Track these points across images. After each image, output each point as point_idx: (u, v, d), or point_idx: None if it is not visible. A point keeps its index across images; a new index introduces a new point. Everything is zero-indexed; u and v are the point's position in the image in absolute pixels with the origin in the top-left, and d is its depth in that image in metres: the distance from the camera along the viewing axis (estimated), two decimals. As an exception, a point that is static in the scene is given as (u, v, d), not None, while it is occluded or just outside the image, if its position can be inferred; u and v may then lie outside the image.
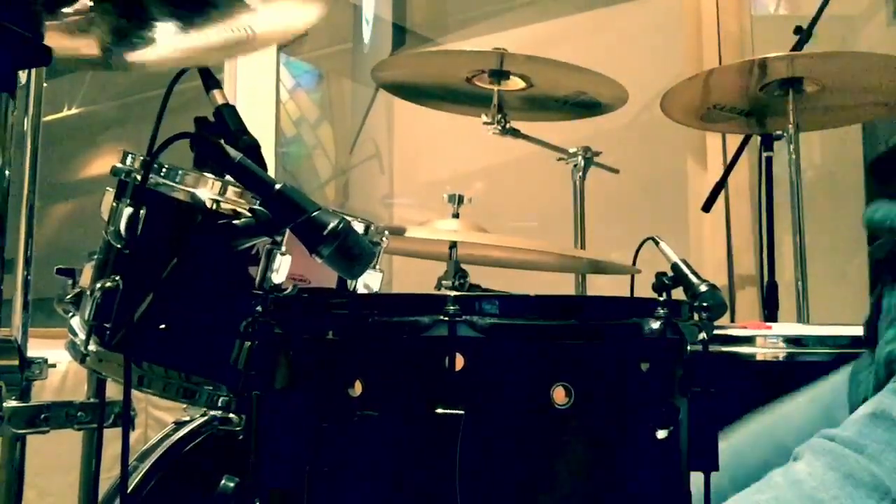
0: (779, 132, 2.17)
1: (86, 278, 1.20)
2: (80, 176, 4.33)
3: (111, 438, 1.08)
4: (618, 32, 3.05)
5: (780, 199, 2.21)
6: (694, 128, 2.47)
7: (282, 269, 0.94)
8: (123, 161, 1.15)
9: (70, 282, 1.25)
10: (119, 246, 1.10)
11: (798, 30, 2.08)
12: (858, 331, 1.07)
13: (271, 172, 0.99)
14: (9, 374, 1.23)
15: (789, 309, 2.18)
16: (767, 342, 1.43)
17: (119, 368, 1.11)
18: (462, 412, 0.74)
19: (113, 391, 1.29)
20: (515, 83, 2.13)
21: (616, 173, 2.36)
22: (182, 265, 1.09)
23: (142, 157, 1.12)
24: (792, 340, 1.42)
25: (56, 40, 1.19)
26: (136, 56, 1.30)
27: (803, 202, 2.01)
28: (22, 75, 1.30)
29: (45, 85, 1.34)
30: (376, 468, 0.78)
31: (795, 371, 1.40)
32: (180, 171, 1.09)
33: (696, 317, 0.87)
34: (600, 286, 2.37)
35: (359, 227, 1.16)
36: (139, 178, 1.08)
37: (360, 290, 1.21)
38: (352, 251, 0.89)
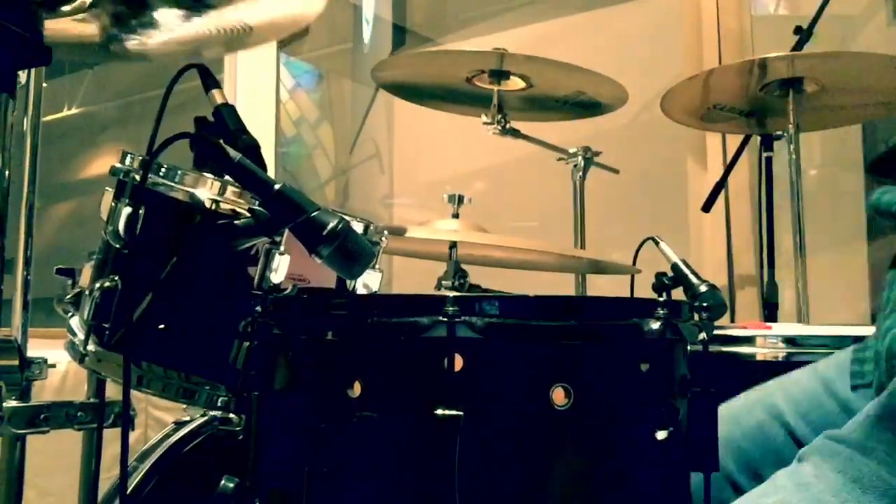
0: (779, 132, 2.17)
1: (85, 278, 1.20)
2: (80, 176, 4.33)
3: (111, 438, 1.08)
4: (618, 32, 3.05)
5: (780, 199, 2.21)
6: (694, 128, 2.47)
7: (281, 269, 0.93)
8: (123, 161, 1.15)
9: (69, 282, 1.25)
10: (118, 246, 1.10)
11: (798, 30, 2.07)
12: (858, 331, 1.07)
13: (271, 172, 0.98)
14: (9, 374, 1.23)
15: (789, 309, 2.18)
16: (767, 342, 1.43)
17: (118, 368, 1.11)
18: (461, 413, 0.74)
19: (113, 391, 1.29)
20: (515, 83, 2.13)
21: (616, 173, 2.36)
22: (181, 265, 1.09)
23: (141, 157, 1.12)
24: (792, 340, 1.42)
25: (57, 26, 1.19)
26: (137, 45, 1.29)
27: (803, 202, 2.01)
28: (22, 75, 1.30)
29: (44, 85, 1.34)
30: (375, 469, 0.78)
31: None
32: (179, 171, 1.09)
33: (696, 317, 0.87)
34: (600, 286, 2.37)
35: (358, 227, 1.15)
36: (138, 177, 1.08)
37: (360, 290, 1.21)
38: (351, 251, 0.89)
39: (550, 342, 0.78)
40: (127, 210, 1.08)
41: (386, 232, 1.25)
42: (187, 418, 1.39)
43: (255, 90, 3.13)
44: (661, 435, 0.80)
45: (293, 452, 0.80)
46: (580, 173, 2.30)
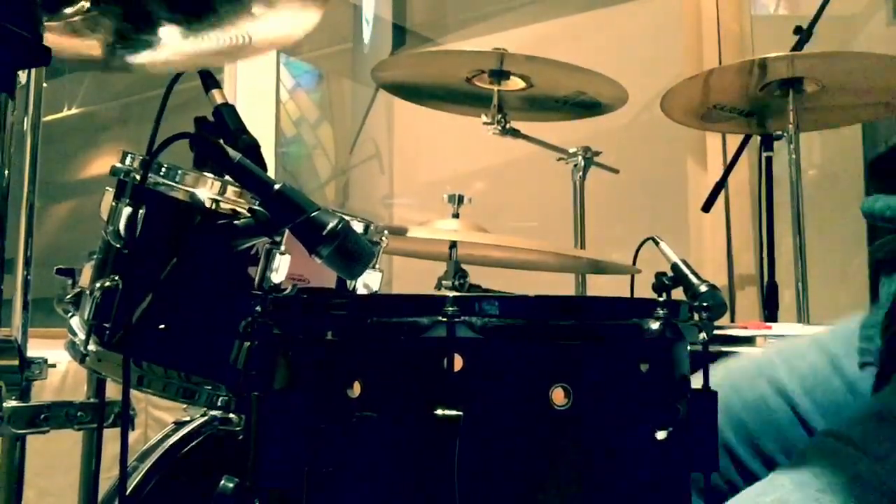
0: (779, 132, 2.17)
1: (85, 278, 1.20)
2: (80, 176, 4.33)
3: (111, 438, 1.08)
4: (618, 32, 3.05)
5: (780, 199, 2.21)
6: (694, 128, 2.47)
7: (281, 269, 0.94)
8: (123, 161, 1.15)
9: (70, 282, 1.25)
10: (118, 246, 1.10)
11: (798, 30, 2.08)
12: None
13: (271, 172, 0.99)
14: (9, 374, 1.23)
15: (789, 309, 2.18)
16: (767, 342, 1.43)
17: (118, 368, 1.11)
18: (461, 413, 0.74)
19: (113, 391, 1.29)
20: (515, 83, 2.13)
21: (616, 173, 2.36)
22: (181, 265, 1.09)
23: (141, 157, 1.12)
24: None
25: (59, 40, 1.19)
26: (137, 58, 1.30)
27: (803, 202, 2.01)
28: (22, 75, 1.30)
29: (44, 85, 1.34)
30: (375, 469, 0.78)
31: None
32: (180, 171, 1.09)
33: (696, 317, 0.87)
34: (600, 286, 2.37)
35: (358, 227, 1.15)
36: (138, 177, 1.08)
37: (360, 290, 1.21)
38: (351, 251, 0.89)
39: (550, 342, 0.78)
40: (127, 210, 1.08)
41: (386, 232, 1.25)
42: (187, 418, 1.40)
43: (255, 90, 3.13)
44: (660, 435, 0.80)
45: (293, 452, 0.80)
46: (580, 173, 2.30)
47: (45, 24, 1.07)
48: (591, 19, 3.17)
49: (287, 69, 3.68)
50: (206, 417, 1.37)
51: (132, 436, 1.27)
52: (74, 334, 1.18)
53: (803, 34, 2.06)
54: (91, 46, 1.24)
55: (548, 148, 2.30)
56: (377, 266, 1.24)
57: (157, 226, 1.10)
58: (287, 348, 0.84)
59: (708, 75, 2.15)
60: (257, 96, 3.14)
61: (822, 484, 0.76)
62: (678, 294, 0.93)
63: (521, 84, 2.13)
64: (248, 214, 0.97)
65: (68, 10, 1.17)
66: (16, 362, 1.24)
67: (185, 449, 1.36)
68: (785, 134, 2.02)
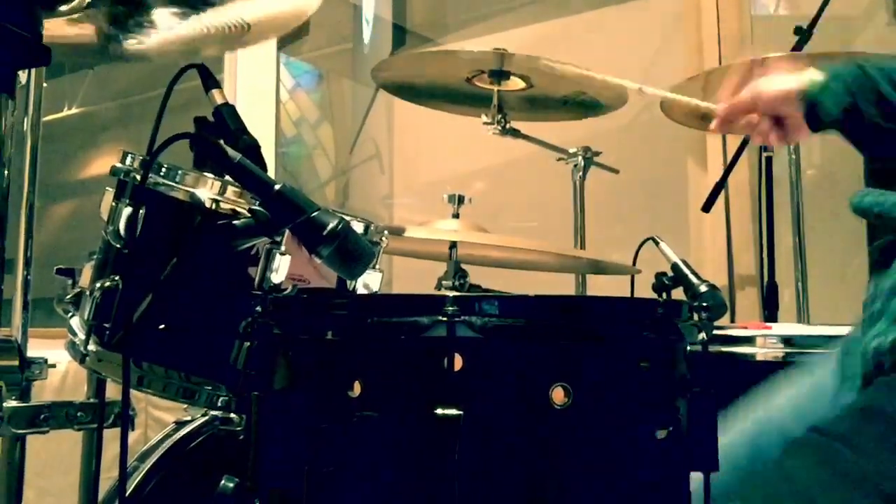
0: (779, 132, 2.16)
1: (85, 278, 1.20)
2: (80, 176, 4.33)
3: (111, 438, 1.08)
4: (618, 32, 3.05)
5: (780, 199, 2.21)
6: (694, 128, 2.47)
7: (281, 270, 0.94)
8: (123, 161, 1.15)
9: (70, 282, 1.25)
10: (118, 246, 1.10)
11: (798, 30, 2.07)
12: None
13: (271, 173, 0.99)
14: (9, 374, 1.23)
15: (789, 309, 2.18)
16: (767, 342, 1.43)
17: (118, 368, 1.11)
18: (461, 412, 0.74)
19: (113, 391, 1.29)
20: (515, 83, 2.12)
21: (616, 173, 2.36)
22: (181, 265, 1.09)
23: (141, 157, 1.12)
24: (792, 340, 1.42)
25: (55, 28, 1.19)
26: (134, 45, 1.30)
27: (803, 202, 2.01)
28: (22, 75, 1.30)
29: (44, 85, 1.34)
30: (375, 469, 0.78)
31: (795, 371, 1.40)
32: (180, 171, 1.09)
33: (695, 317, 0.87)
34: (600, 286, 2.37)
35: (358, 228, 1.16)
36: (139, 177, 1.08)
37: (360, 290, 1.21)
38: (351, 252, 0.89)
39: (550, 342, 0.78)
40: (127, 210, 1.09)
41: (386, 232, 1.25)
42: (188, 418, 1.40)
43: (255, 90, 3.13)
44: (660, 435, 0.80)
45: (293, 452, 0.80)
46: (580, 173, 2.30)
47: (44, 19, 1.07)
48: (591, 19, 3.17)
49: (287, 69, 3.68)
50: (206, 417, 1.37)
51: (132, 436, 1.27)
52: (74, 334, 1.18)
53: (803, 34, 2.05)
54: (87, 35, 1.24)
55: (548, 148, 2.30)
56: (377, 266, 1.24)
57: (157, 226, 1.10)
58: (287, 348, 0.84)
59: (708, 75, 2.15)
60: (257, 96, 3.14)
61: (809, 477, 0.77)
62: (678, 294, 0.93)
63: (521, 84, 2.13)
64: (249, 215, 0.98)
65: (65, 8, 1.17)
66: (16, 362, 1.24)
67: (186, 449, 1.36)
68: (785, 134, 2.01)
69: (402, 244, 1.97)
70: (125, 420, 0.91)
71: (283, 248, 0.94)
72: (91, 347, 1.12)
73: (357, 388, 0.78)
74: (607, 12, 3.15)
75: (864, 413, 0.80)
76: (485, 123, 2.11)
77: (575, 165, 2.30)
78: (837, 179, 2.76)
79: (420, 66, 2.26)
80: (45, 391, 1.48)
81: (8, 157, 1.19)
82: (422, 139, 3.49)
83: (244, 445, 0.82)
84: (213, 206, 1.08)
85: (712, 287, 0.95)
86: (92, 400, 1.34)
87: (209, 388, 1.11)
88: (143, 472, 1.32)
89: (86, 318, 1.15)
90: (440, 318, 0.75)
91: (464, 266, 1.95)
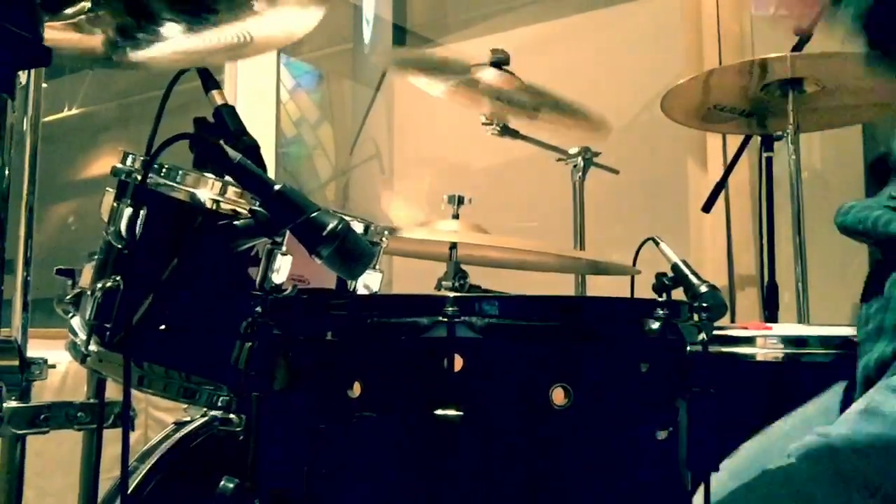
0: (779, 132, 2.16)
1: (86, 278, 1.20)
2: (80, 176, 4.33)
3: (111, 439, 1.08)
4: (618, 32, 3.05)
5: (780, 199, 2.21)
6: (694, 128, 2.47)
7: (282, 270, 0.94)
8: (123, 161, 1.15)
9: (70, 282, 1.25)
10: (119, 246, 1.10)
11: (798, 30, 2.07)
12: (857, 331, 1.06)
13: (271, 173, 0.99)
14: (9, 375, 1.23)
15: (789, 309, 2.18)
16: (767, 343, 1.42)
17: (119, 368, 1.11)
18: (461, 413, 0.74)
19: (113, 391, 1.29)
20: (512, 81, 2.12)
21: (616, 174, 2.36)
22: (182, 265, 1.09)
23: (142, 158, 1.12)
24: (792, 341, 1.41)
25: (61, 36, 1.19)
26: (140, 55, 1.30)
27: (803, 202, 2.01)
28: (22, 75, 1.30)
29: (44, 85, 1.34)
30: (375, 469, 0.78)
31: (795, 372, 1.40)
32: (180, 172, 1.09)
33: (695, 317, 0.87)
34: (600, 287, 2.37)
35: (358, 228, 1.16)
36: (139, 178, 1.08)
37: (360, 290, 1.21)
38: (351, 252, 0.89)
39: (550, 342, 0.78)
40: (128, 210, 1.08)
41: (386, 232, 1.25)
42: (188, 419, 1.40)
43: (256, 91, 3.13)
44: (660, 435, 0.80)
45: (293, 453, 0.80)
46: (580, 174, 2.30)
47: (47, 22, 1.07)
48: (591, 19, 3.17)
49: (287, 69, 3.68)
50: (206, 418, 1.37)
51: (132, 436, 1.27)
52: (75, 335, 1.18)
53: (803, 34, 2.05)
54: (93, 42, 1.24)
55: (548, 148, 2.30)
56: (377, 267, 1.24)
57: (157, 226, 1.10)
58: (287, 349, 0.84)
59: (708, 75, 2.15)
60: (257, 97, 3.14)
61: (809, 477, 0.77)
62: (678, 294, 0.93)
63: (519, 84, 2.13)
64: (249, 215, 0.98)
65: (69, 11, 1.17)
66: (16, 363, 1.24)
67: (186, 449, 1.36)
68: (785, 134, 2.02)
69: (403, 244, 1.97)
70: (126, 420, 0.91)
71: (283, 248, 0.94)
72: (92, 348, 1.12)
73: (357, 389, 0.78)
74: (607, 12, 3.15)
75: (864, 414, 0.81)
76: (484, 124, 2.11)
77: (575, 166, 2.30)
78: (837, 179, 2.76)
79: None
80: (45, 391, 1.48)
81: (8, 158, 1.19)
82: (422, 139, 3.49)
83: (244, 446, 0.82)
84: (214, 207, 1.08)
85: (712, 287, 0.95)
86: (92, 400, 1.34)
87: (209, 388, 1.11)
88: (143, 472, 1.32)
89: (86, 318, 1.15)
90: (440, 318, 0.75)
91: (464, 266, 1.95)
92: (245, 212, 1.06)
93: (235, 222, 0.96)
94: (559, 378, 0.76)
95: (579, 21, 3.20)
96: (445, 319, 0.75)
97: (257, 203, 0.93)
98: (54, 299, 1.26)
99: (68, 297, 1.23)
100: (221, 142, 0.95)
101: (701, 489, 0.83)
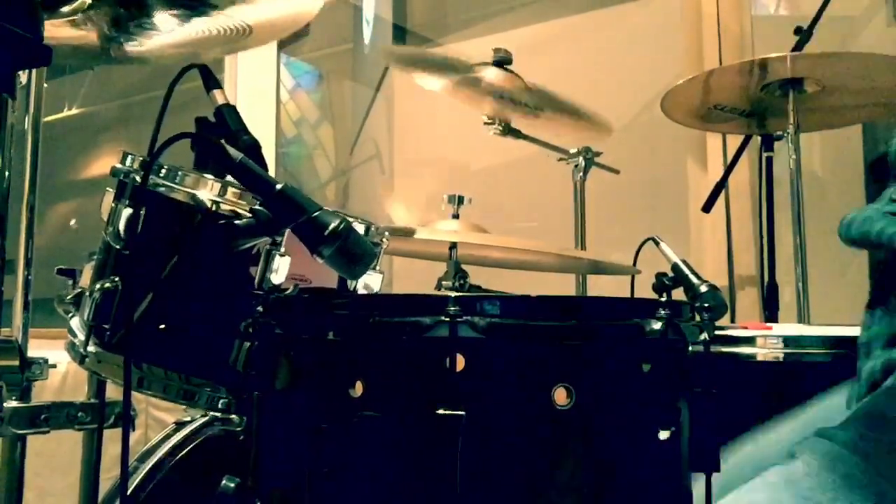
0: (779, 132, 2.17)
1: (86, 279, 1.20)
2: (81, 176, 4.32)
3: (111, 439, 1.08)
4: (618, 32, 3.04)
5: (780, 199, 2.21)
6: (694, 128, 2.47)
7: (280, 270, 0.93)
8: (123, 162, 1.15)
9: (70, 282, 1.25)
10: (119, 247, 1.10)
11: (798, 30, 2.07)
12: (858, 332, 1.06)
13: (272, 173, 0.98)
14: (9, 375, 1.23)
15: (789, 309, 2.18)
16: (768, 343, 1.42)
17: (119, 369, 1.11)
18: (463, 413, 0.74)
19: (113, 391, 1.29)
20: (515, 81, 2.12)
21: (617, 174, 2.36)
22: (182, 266, 1.09)
23: (142, 158, 1.12)
24: (792, 341, 1.41)
25: (57, 31, 1.19)
26: (136, 48, 1.30)
27: (803, 202, 2.01)
28: (22, 75, 1.30)
29: (45, 85, 1.34)
30: (377, 469, 0.78)
31: (796, 372, 1.40)
32: (180, 172, 1.09)
33: (696, 317, 0.87)
34: (601, 287, 2.37)
35: (359, 228, 1.15)
36: (139, 178, 1.08)
37: (361, 290, 1.21)
38: (353, 252, 0.89)
39: (552, 342, 0.78)
40: (128, 211, 1.08)
41: (387, 233, 1.25)
42: (188, 419, 1.39)
43: (256, 90, 3.13)
44: (662, 435, 0.80)
45: (294, 453, 0.80)
46: (580, 173, 2.30)
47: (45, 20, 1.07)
48: (591, 19, 3.17)
49: (287, 69, 3.68)
50: (206, 418, 1.37)
51: (132, 436, 1.26)
52: (75, 335, 1.18)
53: (803, 34, 2.05)
54: (89, 38, 1.24)
55: (548, 148, 2.30)
56: (378, 267, 1.24)
57: (157, 227, 1.10)
58: (289, 348, 0.84)
59: (708, 75, 2.15)
60: (258, 96, 3.14)
61: (813, 482, 0.76)
62: (678, 294, 0.93)
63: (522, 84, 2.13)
64: (249, 215, 0.97)
65: (66, 9, 1.17)
66: (16, 362, 1.24)
67: (186, 450, 1.36)
68: (785, 134, 2.02)
69: (403, 244, 1.97)
70: (126, 420, 0.91)
71: (282, 248, 0.94)
72: (91, 348, 1.12)
73: (359, 388, 0.78)
74: (607, 12, 3.15)
75: (869, 418, 0.80)
76: (485, 123, 2.11)
77: (575, 166, 2.30)
78: (837, 179, 2.76)
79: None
80: (45, 391, 1.48)
81: (8, 158, 1.19)
82: (422, 139, 3.49)
83: (245, 446, 0.82)
84: (214, 207, 1.08)
85: (713, 287, 0.94)
86: (92, 400, 1.34)
87: (209, 389, 1.11)
88: (144, 472, 1.32)
89: (86, 318, 1.14)
90: (442, 318, 0.75)
91: (464, 266, 1.94)
92: (245, 212, 1.06)
93: (236, 222, 0.96)
94: (561, 378, 0.76)
95: (579, 21, 3.20)
96: (447, 319, 0.75)
97: (258, 203, 0.93)
98: (55, 299, 1.26)
99: (69, 297, 1.23)
100: (222, 141, 0.95)
101: (702, 490, 0.83)
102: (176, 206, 1.09)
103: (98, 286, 1.11)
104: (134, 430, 1.58)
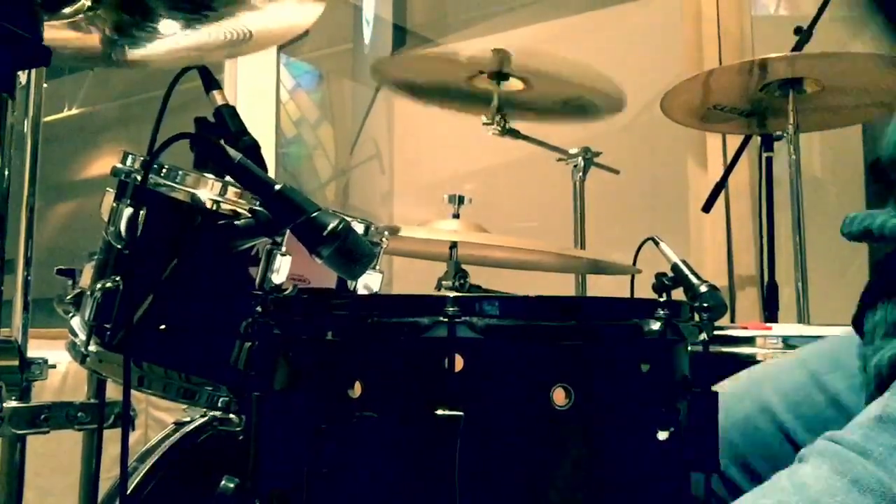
0: (779, 132, 2.17)
1: (86, 279, 1.20)
2: (81, 176, 4.33)
3: (111, 439, 1.08)
4: (618, 32, 3.05)
5: (780, 199, 2.21)
6: (694, 128, 2.47)
7: (282, 270, 0.94)
8: (123, 161, 1.15)
9: (70, 282, 1.25)
10: (119, 246, 1.10)
11: (798, 30, 2.08)
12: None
13: (271, 173, 0.98)
14: (9, 375, 1.23)
15: (789, 309, 2.18)
16: (767, 343, 1.43)
17: (119, 369, 1.11)
18: (461, 413, 0.74)
19: (113, 391, 1.29)
20: (515, 84, 2.12)
21: (616, 174, 2.36)
22: (182, 266, 1.09)
23: (142, 158, 1.12)
24: (792, 341, 1.42)
25: (59, 34, 1.19)
26: (137, 52, 1.30)
27: (803, 202, 2.01)
28: (22, 75, 1.30)
29: (45, 85, 1.34)
30: (375, 469, 0.78)
31: (795, 371, 1.40)
32: (180, 172, 1.09)
33: (696, 317, 0.87)
34: (600, 286, 2.37)
35: (359, 228, 1.15)
36: (139, 178, 1.08)
37: (360, 290, 1.21)
38: (352, 252, 0.89)
39: (551, 342, 0.78)
40: (128, 211, 1.08)
41: (387, 233, 1.25)
42: (188, 419, 1.39)
43: (256, 91, 3.13)
44: (661, 436, 0.80)
45: (293, 453, 0.80)
46: (580, 173, 2.30)
47: (46, 22, 1.07)
48: (591, 19, 3.17)
49: (287, 69, 3.68)
50: (206, 418, 1.37)
51: (132, 436, 1.27)
52: (75, 335, 1.18)
53: (803, 34, 2.06)
54: (91, 41, 1.24)
55: (548, 148, 2.30)
56: (377, 267, 1.24)
57: (157, 226, 1.10)
58: (288, 349, 0.84)
59: (708, 75, 2.15)
60: (257, 96, 3.14)
61: (822, 486, 0.76)
62: (678, 294, 0.93)
63: (520, 85, 2.13)
64: (249, 215, 0.98)
65: (67, 10, 1.17)
66: (16, 362, 1.24)
67: (186, 450, 1.36)
68: (785, 134, 2.02)
69: (403, 244, 1.97)
70: (126, 420, 0.91)
71: (283, 248, 0.94)
72: (91, 348, 1.12)
73: (357, 389, 0.78)
74: (607, 12, 3.15)
75: (878, 420, 0.80)
76: (485, 124, 2.11)
77: (575, 166, 2.30)
78: (837, 179, 2.77)
79: (420, 66, 2.26)
80: (45, 391, 1.48)
81: (8, 158, 1.19)
82: (422, 139, 3.49)
83: (244, 446, 0.82)
84: (214, 207, 1.08)
85: (712, 287, 0.94)
86: (92, 400, 1.34)
87: (209, 388, 1.11)
88: (143, 472, 1.32)
89: (86, 318, 1.15)
90: (441, 318, 0.75)
91: (464, 266, 1.95)
92: (245, 212, 1.06)
93: (236, 222, 0.96)
94: (560, 378, 0.76)
95: (579, 21, 3.20)
96: (446, 319, 0.75)
97: (257, 203, 0.93)
98: (55, 299, 1.26)
99: (69, 297, 1.23)
100: (222, 142, 0.95)
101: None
102: (176, 205, 1.09)
103: (99, 286, 1.11)
104: (134, 430, 1.59)
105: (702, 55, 2.69)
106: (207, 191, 1.08)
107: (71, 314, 1.22)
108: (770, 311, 2.22)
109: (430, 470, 0.76)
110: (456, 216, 1.94)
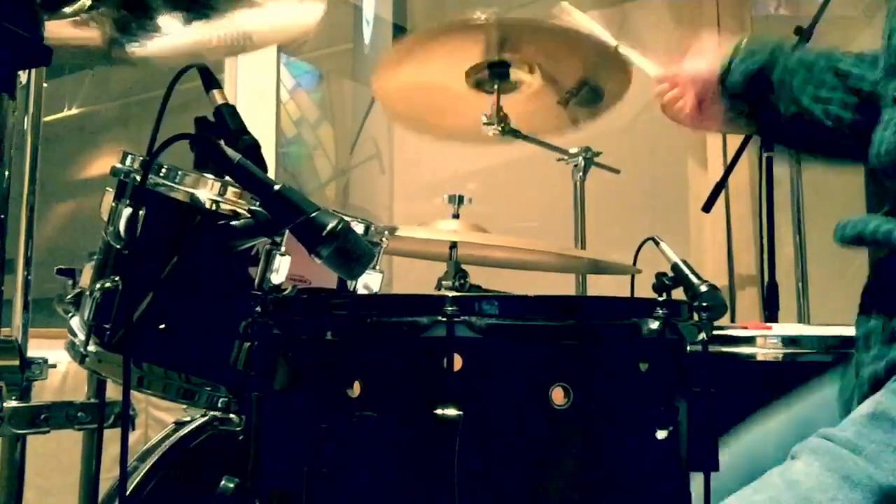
0: (779, 132, 2.16)
1: (86, 279, 1.20)
2: (80, 176, 4.33)
3: (111, 439, 1.08)
4: (617, 32, 3.04)
5: (780, 199, 2.21)
6: (694, 128, 2.47)
7: (281, 270, 0.94)
8: (123, 161, 1.15)
9: (70, 282, 1.25)
10: (119, 246, 1.10)
11: (798, 30, 2.07)
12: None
13: (271, 173, 0.98)
14: (9, 375, 1.23)
15: (789, 309, 2.18)
16: (767, 342, 1.42)
17: (119, 369, 1.11)
18: (461, 413, 0.74)
19: (113, 391, 1.29)
20: (517, 74, 2.10)
21: (617, 173, 2.36)
22: (181, 265, 1.09)
23: (141, 158, 1.12)
24: (792, 341, 1.41)
25: (60, 32, 1.19)
26: (138, 50, 1.30)
27: (803, 202, 2.01)
28: (22, 75, 1.30)
29: (45, 85, 1.34)
30: (375, 468, 0.78)
31: (795, 372, 1.40)
32: (180, 172, 1.09)
33: (695, 317, 0.87)
34: (600, 286, 2.37)
35: (358, 228, 1.16)
36: (139, 178, 1.08)
37: (360, 290, 1.21)
38: (351, 252, 0.89)
39: (550, 342, 0.78)
40: (127, 211, 1.08)
41: (386, 233, 1.25)
42: (188, 419, 1.40)
43: (256, 90, 3.13)
44: (660, 435, 0.80)
45: (293, 452, 0.80)
46: (580, 173, 2.29)
47: (46, 21, 1.07)
48: (591, 19, 3.17)
49: (287, 69, 3.68)
50: (206, 418, 1.37)
51: (132, 436, 1.27)
52: (74, 335, 1.18)
53: (803, 34, 2.05)
54: (92, 38, 1.25)
55: (548, 148, 2.29)
56: (377, 267, 1.24)
57: (157, 226, 1.10)
58: (287, 348, 0.84)
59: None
60: (257, 96, 3.14)
61: (814, 483, 0.76)
62: (678, 294, 0.93)
63: (524, 77, 2.11)
64: (248, 215, 0.98)
65: (68, 10, 1.17)
66: (16, 362, 1.24)
67: (186, 449, 1.36)
68: (785, 134, 2.01)
69: (402, 244, 1.97)
70: (126, 420, 0.91)
71: (282, 248, 0.94)
72: (91, 348, 1.12)
73: (357, 388, 0.78)
74: (607, 13, 3.15)
75: (870, 418, 0.80)
76: (485, 124, 2.11)
77: (575, 166, 2.30)
78: (838, 180, 2.76)
79: (418, 65, 2.25)
80: (45, 391, 1.48)
81: (8, 157, 1.19)
82: (422, 139, 3.49)
83: (244, 446, 0.82)
84: (213, 207, 1.08)
85: (712, 287, 0.94)
86: (92, 400, 1.34)
87: (209, 388, 1.11)
88: (143, 472, 1.32)
89: (86, 318, 1.15)
90: (440, 318, 0.75)
91: (464, 266, 1.94)
92: (244, 212, 1.06)
93: (235, 222, 0.96)
94: (559, 378, 0.76)
95: (579, 21, 3.20)
96: (445, 319, 0.75)
97: (257, 203, 0.93)
98: (54, 299, 1.26)
99: (69, 297, 1.23)
100: (221, 141, 0.95)
101: (701, 489, 0.83)
102: (176, 205, 1.09)
103: (98, 286, 1.11)
104: (134, 430, 1.59)
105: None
106: (207, 191, 1.08)
107: (71, 314, 1.22)
108: (770, 311, 2.22)
109: (429, 469, 0.76)
110: (456, 216, 1.94)
